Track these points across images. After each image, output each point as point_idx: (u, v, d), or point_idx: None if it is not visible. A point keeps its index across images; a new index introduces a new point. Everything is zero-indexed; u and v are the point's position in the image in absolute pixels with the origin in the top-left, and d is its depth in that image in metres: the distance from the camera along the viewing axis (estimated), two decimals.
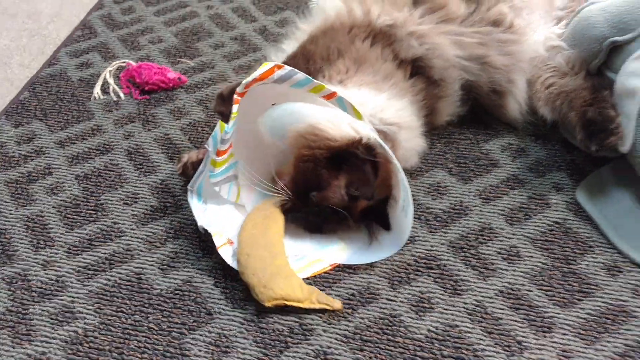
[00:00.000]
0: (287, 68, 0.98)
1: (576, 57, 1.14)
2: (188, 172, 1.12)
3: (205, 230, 1.03)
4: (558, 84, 1.14)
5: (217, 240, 1.02)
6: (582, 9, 1.11)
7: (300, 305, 0.97)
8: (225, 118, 0.99)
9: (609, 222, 1.06)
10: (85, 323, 1.00)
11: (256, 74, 0.97)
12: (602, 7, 1.08)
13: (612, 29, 1.06)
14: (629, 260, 1.02)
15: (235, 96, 0.97)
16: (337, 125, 1.03)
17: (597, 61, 1.10)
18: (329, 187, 1.01)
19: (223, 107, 1.01)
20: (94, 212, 1.17)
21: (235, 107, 0.97)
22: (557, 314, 0.96)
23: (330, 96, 1.01)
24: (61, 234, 1.13)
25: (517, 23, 1.18)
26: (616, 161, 1.11)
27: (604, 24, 1.07)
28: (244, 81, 0.97)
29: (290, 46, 1.22)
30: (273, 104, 1.05)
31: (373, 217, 1.06)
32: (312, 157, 1.01)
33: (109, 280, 1.05)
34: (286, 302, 0.97)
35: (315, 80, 0.99)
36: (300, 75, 0.98)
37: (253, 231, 1.01)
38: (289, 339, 0.96)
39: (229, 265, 1.03)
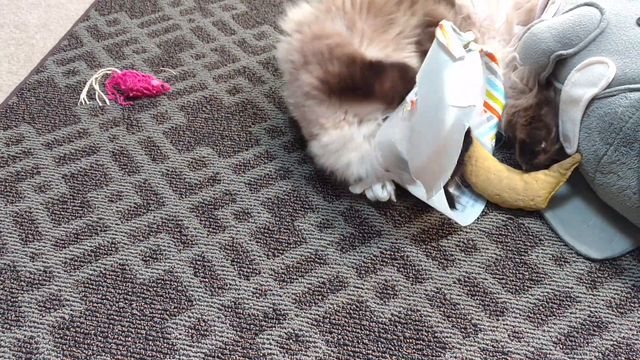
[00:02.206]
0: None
1: (529, 72, 1.24)
2: None
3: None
4: (513, 104, 1.24)
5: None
6: (531, 26, 1.23)
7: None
8: None
9: (557, 218, 1.16)
10: (72, 310, 1.06)
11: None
12: (548, 25, 1.19)
13: (557, 43, 1.17)
14: (574, 252, 1.12)
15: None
16: None
17: (546, 73, 1.21)
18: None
19: None
20: (80, 208, 1.23)
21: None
22: (509, 299, 1.05)
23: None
24: (49, 228, 1.19)
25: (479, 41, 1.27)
26: None
27: (551, 40, 1.18)
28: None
29: None
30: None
31: None
32: None
33: (94, 270, 1.12)
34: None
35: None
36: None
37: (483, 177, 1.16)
38: (263, 323, 1.03)
39: (208, 256, 1.11)
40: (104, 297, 1.08)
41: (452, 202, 1.15)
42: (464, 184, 1.20)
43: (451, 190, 1.18)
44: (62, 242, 1.17)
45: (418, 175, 1.05)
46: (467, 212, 1.17)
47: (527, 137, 1.18)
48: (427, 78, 1.00)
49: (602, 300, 1.04)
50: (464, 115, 0.96)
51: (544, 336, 1.00)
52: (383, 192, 1.16)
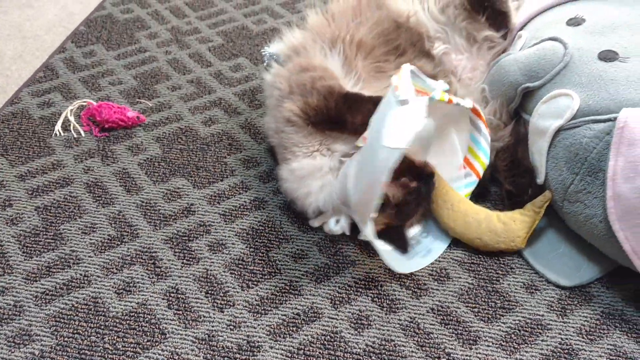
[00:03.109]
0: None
1: (501, 106, 1.26)
2: None
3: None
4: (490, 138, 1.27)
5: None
6: (499, 60, 1.26)
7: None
8: None
9: (527, 246, 1.18)
10: (42, 345, 1.04)
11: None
12: (514, 58, 1.23)
13: (524, 76, 1.21)
14: (544, 280, 1.14)
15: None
16: None
17: (514, 104, 1.24)
18: None
19: None
20: (53, 241, 1.22)
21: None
22: (482, 328, 1.06)
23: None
24: (20, 261, 1.18)
25: (457, 88, 1.29)
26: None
27: (517, 72, 1.22)
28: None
29: None
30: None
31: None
32: None
33: (66, 304, 1.11)
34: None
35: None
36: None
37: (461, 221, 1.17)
38: (237, 355, 1.03)
39: (182, 288, 1.11)
40: (75, 332, 1.06)
41: (405, 246, 1.15)
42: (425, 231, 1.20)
43: (412, 232, 1.19)
44: (34, 275, 1.16)
45: (354, 209, 1.07)
46: (414, 261, 1.15)
47: (514, 188, 1.21)
48: (376, 116, 1.03)
49: (572, 327, 1.06)
50: (391, 156, 0.96)
51: None
52: (336, 226, 1.15)
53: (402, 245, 1.15)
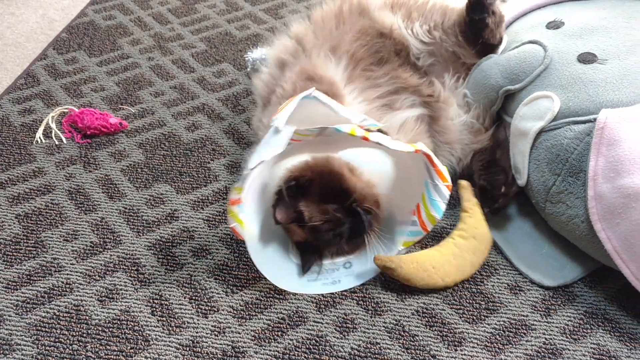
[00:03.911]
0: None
1: (484, 112, 1.27)
2: None
3: None
4: (470, 141, 1.28)
5: None
6: (480, 63, 1.27)
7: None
8: None
9: (511, 247, 1.18)
10: (22, 354, 1.03)
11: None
12: (494, 61, 1.24)
13: (505, 79, 1.22)
14: (528, 280, 1.14)
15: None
16: None
17: (495, 107, 1.25)
18: None
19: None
20: (34, 248, 1.21)
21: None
22: (467, 329, 1.07)
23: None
24: (0, 270, 1.16)
25: (442, 95, 1.29)
26: (518, 193, 1.24)
27: (498, 75, 1.23)
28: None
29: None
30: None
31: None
32: None
33: (47, 312, 1.09)
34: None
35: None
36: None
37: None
38: None
39: (166, 294, 1.09)
40: (57, 340, 1.05)
41: (302, 267, 1.13)
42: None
43: (336, 259, 1.15)
44: (14, 283, 1.14)
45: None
46: (312, 284, 1.12)
47: (487, 184, 1.20)
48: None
49: (556, 327, 1.06)
50: (245, 172, 1.02)
51: None
52: None
53: (302, 264, 1.13)
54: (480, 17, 1.22)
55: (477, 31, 1.24)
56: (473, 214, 1.16)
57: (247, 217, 1.06)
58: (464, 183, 1.18)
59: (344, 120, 1.07)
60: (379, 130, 1.12)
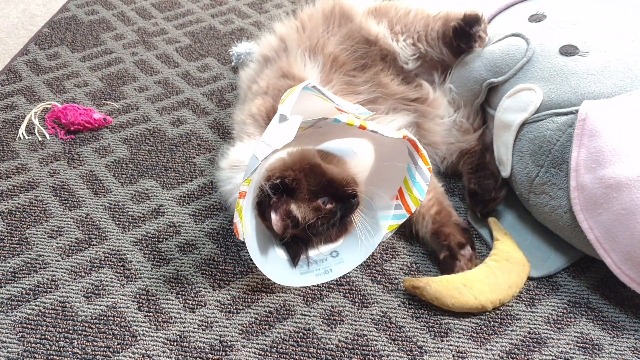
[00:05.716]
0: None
1: (475, 112, 1.28)
2: None
3: None
4: (456, 139, 1.29)
5: None
6: (463, 56, 1.28)
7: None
8: None
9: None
10: (8, 352, 1.02)
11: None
12: (478, 54, 1.25)
13: (488, 72, 1.23)
14: None
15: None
16: None
17: (479, 100, 1.26)
18: None
19: None
20: (18, 246, 1.20)
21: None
22: (453, 320, 1.08)
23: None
24: None
25: (432, 96, 1.30)
26: (502, 185, 1.25)
27: (482, 68, 1.23)
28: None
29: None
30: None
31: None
32: None
33: (33, 309, 1.08)
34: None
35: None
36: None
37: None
38: (209, 355, 1.02)
39: (152, 289, 1.09)
40: (43, 337, 1.04)
41: (293, 261, 1.12)
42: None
43: (323, 249, 1.15)
44: None
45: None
46: (304, 277, 1.12)
47: (478, 188, 1.22)
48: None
49: (541, 317, 1.08)
50: (253, 163, 0.98)
51: (487, 355, 1.03)
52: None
53: (292, 258, 1.13)
54: (467, 45, 1.25)
55: (463, 50, 1.27)
56: (504, 241, 1.15)
57: (245, 212, 1.04)
58: (492, 219, 1.18)
59: (337, 112, 1.08)
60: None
